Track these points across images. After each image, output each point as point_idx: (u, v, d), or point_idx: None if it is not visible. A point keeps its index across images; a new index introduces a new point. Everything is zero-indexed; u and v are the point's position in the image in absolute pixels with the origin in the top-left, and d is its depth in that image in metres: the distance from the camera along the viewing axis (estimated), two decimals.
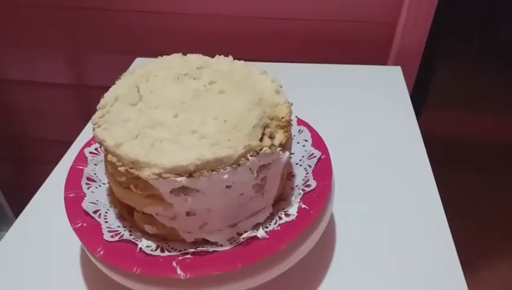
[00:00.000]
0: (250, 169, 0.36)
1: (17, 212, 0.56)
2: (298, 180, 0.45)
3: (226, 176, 0.35)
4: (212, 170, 0.35)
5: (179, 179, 0.34)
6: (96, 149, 0.49)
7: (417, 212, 0.50)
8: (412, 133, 0.61)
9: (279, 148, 0.38)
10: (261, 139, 0.37)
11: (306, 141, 0.49)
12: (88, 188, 0.44)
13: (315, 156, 0.46)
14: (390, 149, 0.59)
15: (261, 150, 0.36)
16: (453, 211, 0.51)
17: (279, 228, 0.39)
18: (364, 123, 0.64)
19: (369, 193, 0.53)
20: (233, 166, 0.35)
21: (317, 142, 0.48)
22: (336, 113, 0.66)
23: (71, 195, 0.43)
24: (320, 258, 0.46)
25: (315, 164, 0.45)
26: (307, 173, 0.45)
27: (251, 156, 0.36)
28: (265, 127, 0.38)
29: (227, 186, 0.36)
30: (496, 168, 1.10)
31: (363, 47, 0.82)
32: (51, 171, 0.58)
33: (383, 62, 0.84)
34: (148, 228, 0.39)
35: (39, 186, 0.56)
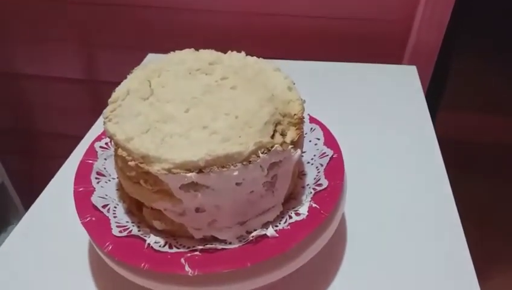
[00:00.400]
0: (260, 166, 0.35)
1: (27, 205, 0.56)
2: (309, 179, 0.44)
3: (236, 173, 0.34)
4: (223, 167, 0.34)
5: (189, 174, 0.33)
6: (106, 143, 0.49)
7: (430, 214, 0.49)
8: (427, 135, 0.60)
9: (290, 146, 0.37)
10: (272, 136, 0.37)
11: (318, 139, 0.48)
12: (98, 182, 0.44)
13: (327, 155, 0.46)
14: (403, 150, 0.58)
15: (272, 147, 0.36)
16: (462, 214, 0.50)
17: (289, 227, 0.38)
18: (378, 123, 0.63)
19: (381, 194, 0.52)
20: (244, 163, 0.34)
21: (330, 141, 0.48)
22: (349, 112, 0.65)
23: (80, 189, 0.43)
24: (330, 258, 0.45)
25: (327, 163, 0.45)
26: (319, 172, 0.44)
27: (262, 153, 0.35)
28: (277, 124, 0.38)
29: (237, 184, 0.35)
30: (508, 172, 1.08)
31: (377, 45, 0.81)
32: (61, 165, 0.58)
33: (398, 61, 0.83)
34: (157, 224, 0.39)
35: (49, 180, 0.56)
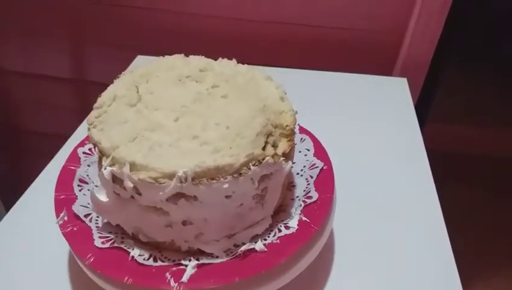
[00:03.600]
0: (251, 179, 0.34)
1: (8, 204, 0.54)
2: (299, 191, 0.43)
3: (226, 186, 0.33)
4: (212, 179, 0.33)
5: (177, 185, 0.32)
6: (90, 149, 0.48)
7: (420, 226, 0.49)
8: (416, 147, 0.60)
9: (282, 158, 0.36)
10: (263, 148, 0.36)
11: (308, 150, 0.48)
12: (80, 190, 0.43)
13: (317, 167, 0.45)
14: (393, 162, 0.58)
15: (263, 159, 0.35)
16: (450, 225, 0.50)
17: (278, 241, 0.37)
18: (368, 134, 0.63)
19: (370, 206, 0.52)
20: (235, 175, 0.33)
21: (320, 152, 0.47)
22: (338, 122, 0.65)
23: (62, 197, 0.41)
24: (319, 271, 0.44)
25: (317, 175, 0.44)
26: (308, 184, 0.43)
27: (253, 165, 0.34)
28: (269, 135, 0.37)
29: (226, 196, 0.34)
30: (497, 183, 1.09)
31: (368, 56, 0.81)
32: (45, 166, 0.56)
33: (389, 72, 0.83)
34: (142, 236, 0.37)
35: (32, 180, 0.54)
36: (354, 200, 0.51)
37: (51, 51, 0.95)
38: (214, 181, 0.33)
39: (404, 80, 0.75)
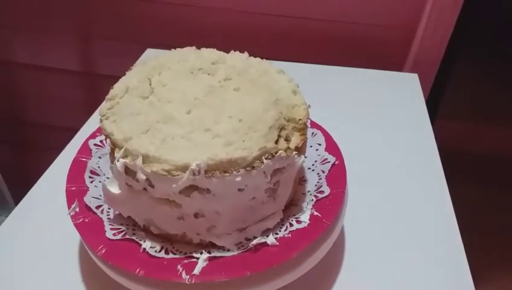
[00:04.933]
0: (264, 172, 0.34)
1: (17, 197, 0.54)
2: (310, 186, 0.43)
3: (239, 179, 0.33)
4: (225, 171, 0.33)
5: (191, 177, 0.32)
6: (101, 141, 0.48)
7: (430, 223, 0.49)
8: (427, 143, 0.59)
9: (294, 152, 0.36)
10: (276, 142, 0.36)
11: (319, 145, 0.47)
12: (91, 181, 0.43)
13: (329, 162, 0.45)
14: (403, 158, 0.58)
15: (276, 153, 0.35)
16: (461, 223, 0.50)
17: (289, 235, 0.37)
18: (378, 129, 0.62)
19: (380, 202, 0.51)
20: (247, 168, 0.33)
21: (331, 147, 0.47)
22: (348, 117, 0.64)
23: (73, 188, 0.41)
24: (329, 267, 0.44)
25: (329, 170, 0.44)
26: (320, 179, 0.43)
27: (266, 158, 0.34)
28: (282, 128, 0.37)
29: (239, 189, 0.34)
30: (504, 182, 1.08)
31: (379, 51, 0.80)
32: (54, 159, 0.56)
33: (399, 68, 0.82)
34: (153, 228, 0.37)
35: (41, 174, 0.54)
36: (364, 195, 0.51)
37: (60, 44, 0.95)
38: (227, 174, 0.33)
39: (415, 76, 0.74)
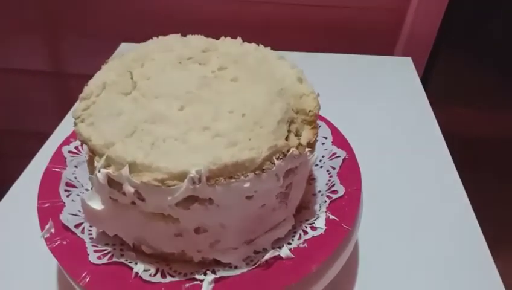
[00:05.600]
0: (276, 175, 0.29)
1: None
2: (321, 185, 0.38)
3: (247, 185, 0.28)
4: (230, 177, 0.27)
5: (190, 187, 0.27)
6: (76, 148, 0.41)
7: (444, 213, 0.45)
8: (431, 128, 0.56)
9: (307, 149, 0.31)
10: (286, 138, 0.30)
11: (325, 138, 0.43)
12: (68, 195, 0.36)
13: (338, 156, 0.40)
14: (406, 146, 0.54)
15: (288, 151, 0.29)
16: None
17: (305, 244, 0.32)
18: (380, 117, 0.58)
19: (388, 195, 0.47)
20: (257, 172, 0.28)
21: (339, 139, 0.42)
22: (346, 106, 0.59)
23: (46, 205, 0.35)
24: (345, 274, 0.39)
25: (339, 166, 0.39)
26: (331, 176, 0.38)
27: (277, 159, 0.29)
28: (291, 122, 0.32)
29: (247, 197, 0.29)
30: (499, 166, 1.07)
31: (368, 36, 0.76)
32: (23, 169, 0.49)
33: (390, 52, 0.78)
34: (145, 247, 0.32)
35: (8, 187, 0.47)
36: (372, 188, 0.47)
37: (26, 44, 0.86)
38: (233, 180, 0.27)
39: (409, 60, 0.71)
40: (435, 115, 0.58)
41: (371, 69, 0.68)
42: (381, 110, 0.59)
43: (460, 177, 0.49)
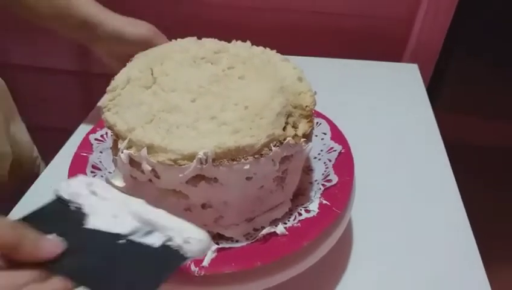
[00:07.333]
0: (272, 160, 0.33)
1: (15, 197, 0.53)
2: (317, 175, 0.42)
3: (247, 167, 0.32)
4: (233, 160, 0.32)
5: (198, 166, 0.31)
6: (101, 136, 0.47)
7: (438, 210, 0.48)
8: (431, 134, 0.59)
9: (302, 139, 0.35)
10: (284, 129, 0.35)
11: (325, 134, 0.47)
12: (93, 176, 0.42)
13: (335, 150, 0.44)
14: (407, 150, 0.57)
15: (284, 140, 0.34)
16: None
17: (299, 224, 0.36)
18: (381, 120, 0.62)
19: (386, 191, 0.50)
20: (256, 156, 0.32)
21: (337, 135, 0.46)
22: (351, 109, 0.63)
23: None
24: (337, 257, 0.43)
25: (335, 158, 0.43)
26: (327, 168, 0.42)
27: (274, 146, 0.33)
28: (289, 115, 0.36)
29: (247, 178, 0.33)
30: (499, 174, 1.08)
31: (377, 43, 0.80)
32: (51, 160, 0.55)
33: (398, 59, 0.81)
34: None
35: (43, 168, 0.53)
36: (368, 185, 0.50)
37: (56, 44, 0.93)
38: (235, 162, 0.32)
39: (415, 66, 0.74)
40: (440, 121, 0.61)
41: (378, 74, 0.71)
42: (383, 113, 0.63)
43: (461, 184, 0.52)
